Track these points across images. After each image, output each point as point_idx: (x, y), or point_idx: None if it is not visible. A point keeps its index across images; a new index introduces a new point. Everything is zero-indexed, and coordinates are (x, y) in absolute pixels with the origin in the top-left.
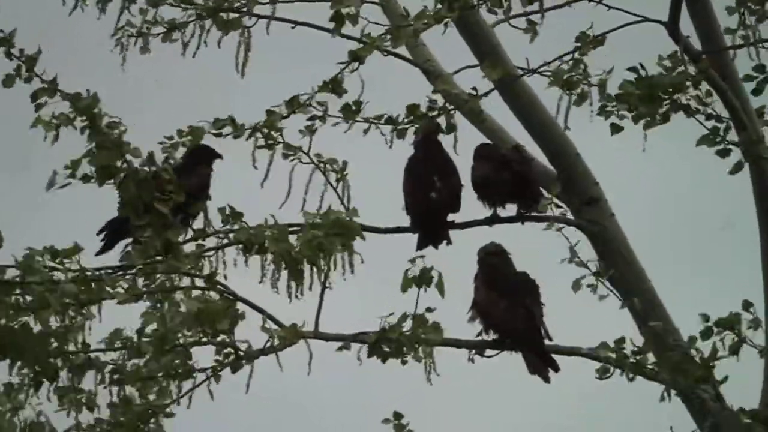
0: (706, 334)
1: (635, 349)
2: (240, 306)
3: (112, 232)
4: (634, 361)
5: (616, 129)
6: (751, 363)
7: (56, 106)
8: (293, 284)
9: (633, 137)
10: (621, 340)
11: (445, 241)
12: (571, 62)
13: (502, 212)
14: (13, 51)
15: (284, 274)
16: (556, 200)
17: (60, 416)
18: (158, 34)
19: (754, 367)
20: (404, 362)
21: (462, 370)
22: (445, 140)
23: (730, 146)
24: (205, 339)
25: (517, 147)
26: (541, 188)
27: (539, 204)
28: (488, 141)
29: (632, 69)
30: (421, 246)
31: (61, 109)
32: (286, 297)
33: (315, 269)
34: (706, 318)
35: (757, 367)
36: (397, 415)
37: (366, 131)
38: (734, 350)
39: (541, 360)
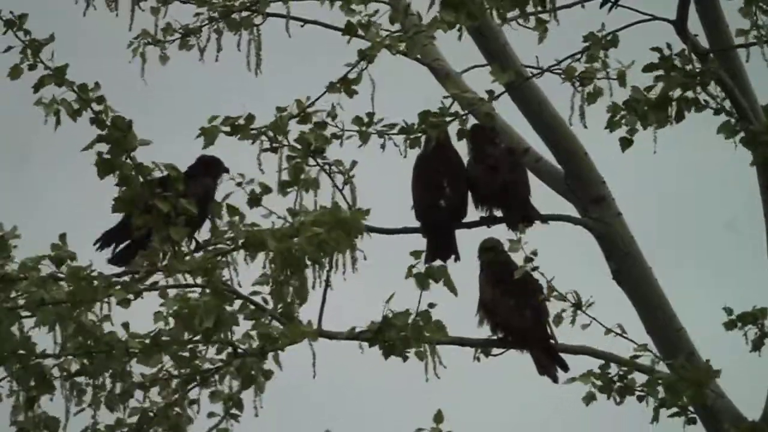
0: (729, 326)
1: (621, 372)
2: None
3: (108, 240)
4: (622, 384)
5: (626, 144)
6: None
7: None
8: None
9: (640, 136)
10: (606, 365)
11: (453, 256)
12: (583, 59)
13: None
14: (19, 34)
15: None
16: None
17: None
18: (173, 40)
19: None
20: (405, 358)
21: (464, 368)
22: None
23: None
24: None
25: (510, 150)
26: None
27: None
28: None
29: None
30: (429, 260)
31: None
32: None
33: (317, 267)
34: (729, 311)
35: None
36: (438, 417)
37: (383, 146)
38: (756, 345)
39: (550, 359)
